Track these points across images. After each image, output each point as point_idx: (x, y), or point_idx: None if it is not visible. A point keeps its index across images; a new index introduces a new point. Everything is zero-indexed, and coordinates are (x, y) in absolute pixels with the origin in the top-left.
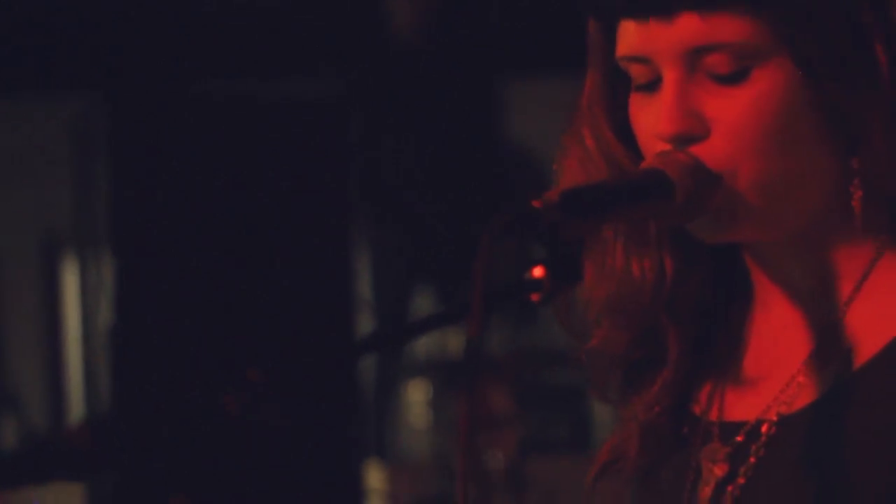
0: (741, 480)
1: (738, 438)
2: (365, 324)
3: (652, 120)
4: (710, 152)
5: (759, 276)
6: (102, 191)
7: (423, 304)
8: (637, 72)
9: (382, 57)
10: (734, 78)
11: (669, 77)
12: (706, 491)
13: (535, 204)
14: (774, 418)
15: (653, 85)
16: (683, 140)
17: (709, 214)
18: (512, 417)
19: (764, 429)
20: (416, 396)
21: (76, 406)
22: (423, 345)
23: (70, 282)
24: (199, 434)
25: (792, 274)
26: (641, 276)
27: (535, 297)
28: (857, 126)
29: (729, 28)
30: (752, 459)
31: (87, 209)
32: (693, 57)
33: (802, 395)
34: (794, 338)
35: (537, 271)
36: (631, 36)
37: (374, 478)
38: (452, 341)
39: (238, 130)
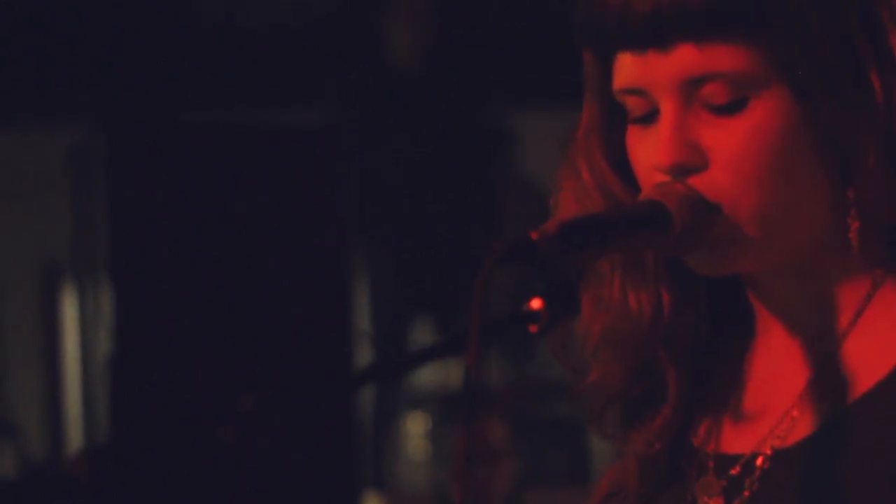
0: None
1: (733, 472)
2: (364, 355)
3: (649, 151)
4: (709, 183)
5: (759, 307)
6: (101, 220)
7: (422, 334)
8: (634, 104)
9: (379, 84)
10: (731, 108)
11: (667, 108)
12: None
13: (533, 235)
14: (769, 452)
15: (650, 117)
16: (681, 171)
17: (707, 246)
18: (509, 450)
19: (758, 462)
20: (416, 428)
21: (75, 435)
22: (423, 376)
23: (69, 311)
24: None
25: (790, 305)
26: (639, 309)
27: (533, 329)
28: (853, 155)
29: (725, 58)
30: (746, 493)
31: (85, 238)
32: (690, 88)
33: (797, 428)
34: (791, 370)
35: (535, 303)
36: (628, 68)
37: None
38: (453, 373)
39: (235, 159)
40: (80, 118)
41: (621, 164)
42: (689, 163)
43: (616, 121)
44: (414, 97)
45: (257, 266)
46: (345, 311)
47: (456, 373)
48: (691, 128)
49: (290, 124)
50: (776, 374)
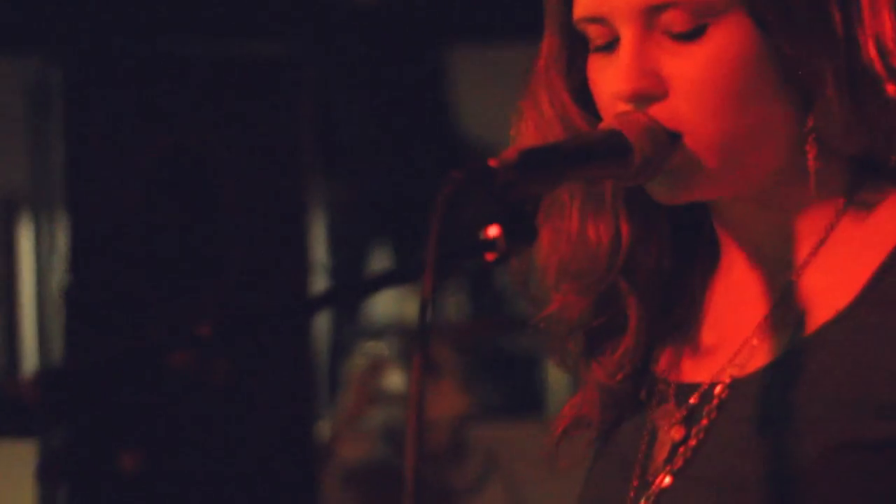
0: (692, 442)
1: (692, 400)
2: (320, 284)
3: (610, 80)
4: (669, 112)
5: (723, 237)
6: (57, 153)
7: (380, 262)
8: (594, 33)
9: (338, 17)
10: (691, 35)
11: (627, 36)
12: (662, 452)
13: (492, 163)
14: (727, 381)
15: (610, 45)
16: (642, 100)
17: (666, 175)
18: (459, 382)
19: (717, 391)
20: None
21: (30, 364)
22: (379, 307)
23: (25, 242)
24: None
25: (752, 234)
26: (597, 240)
27: (490, 257)
28: (812, 84)
29: None
30: (705, 421)
31: (42, 172)
32: (650, 15)
33: (755, 357)
34: (753, 299)
35: (492, 231)
36: None
37: (326, 437)
38: (409, 304)
39: (191, 90)
40: (36, 52)
41: (583, 96)
42: (649, 90)
43: (577, 52)
44: (373, 32)
45: (214, 197)
46: (301, 240)
47: (412, 304)
48: (651, 55)
49: (247, 55)
50: (738, 303)
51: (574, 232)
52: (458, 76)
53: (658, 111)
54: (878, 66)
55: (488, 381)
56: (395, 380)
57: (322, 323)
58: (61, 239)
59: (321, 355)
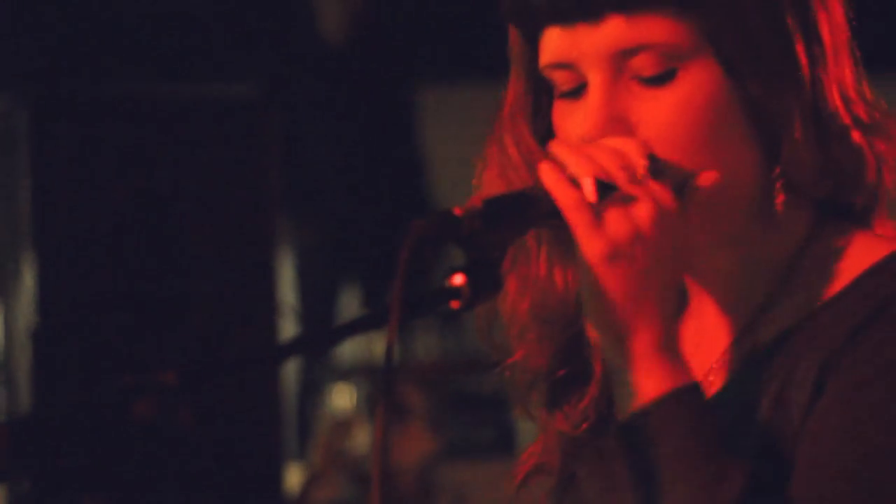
0: None
1: None
2: (289, 328)
3: (577, 126)
4: None
5: (689, 279)
6: (24, 192)
7: (349, 304)
8: (561, 79)
9: (306, 57)
10: (660, 80)
11: (595, 81)
12: (625, 501)
13: (457, 211)
14: None
15: (577, 91)
16: None
17: None
18: (428, 422)
19: None
20: (340, 400)
21: None
22: (348, 349)
23: None
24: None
25: (718, 276)
26: (565, 287)
27: (455, 305)
28: (780, 128)
29: (655, 29)
30: None
31: (8, 211)
32: (619, 59)
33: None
34: (717, 339)
35: (457, 279)
36: (556, 42)
37: (295, 481)
38: (378, 346)
39: (160, 131)
40: (2, 91)
41: (547, 140)
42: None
43: (542, 97)
44: (341, 71)
45: (182, 239)
46: (270, 285)
47: (381, 344)
48: (620, 101)
49: (215, 97)
50: (703, 344)
51: (541, 278)
52: (429, 116)
53: None
54: (842, 113)
55: (457, 421)
56: (361, 439)
57: (291, 364)
58: (28, 280)
59: (290, 397)
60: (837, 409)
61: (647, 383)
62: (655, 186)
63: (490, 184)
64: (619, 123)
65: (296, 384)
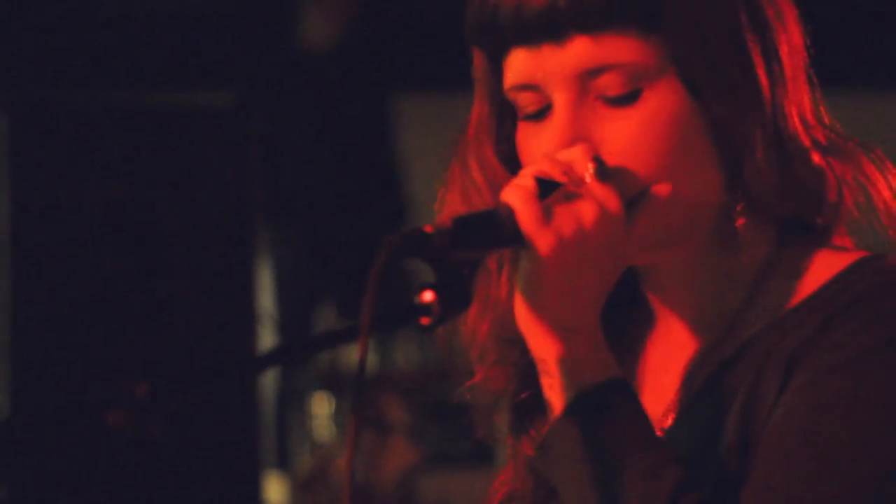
0: None
1: None
2: (267, 336)
3: (542, 145)
4: None
5: (653, 301)
6: (2, 202)
7: (326, 317)
8: (526, 100)
9: (286, 67)
10: (626, 100)
11: (560, 100)
12: None
13: (427, 229)
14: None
15: (542, 113)
16: None
17: None
18: (407, 432)
19: None
20: (320, 409)
21: None
22: (327, 358)
23: None
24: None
25: (682, 297)
26: None
27: (424, 321)
28: (742, 146)
29: (620, 49)
30: None
31: None
32: (584, 80)
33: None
34: (681, 362)
35: (427, 296)
36: (521, 64)
37: (274, 490)
38: (356, 356)
39: (140, 140)
40: None
41: (511, 163)
42: None
43: (506, 120)
44: (320, 83)
45: (161, 249)
46: (249, 293)
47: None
48: (585, 122)
49: (194, 106)
50: (668, 367)
51: (501, 300)
52: (410, 125)
53: None
54: (802, 135)
55: (438, 430)
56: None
57: (269, 373)
58: (5, 289)
59: (268, 406)
60: (803, 399)
61: (585, 375)
62: (599, 188)
63: (452, 206)
64: (582, 143)
65: (274, 393)
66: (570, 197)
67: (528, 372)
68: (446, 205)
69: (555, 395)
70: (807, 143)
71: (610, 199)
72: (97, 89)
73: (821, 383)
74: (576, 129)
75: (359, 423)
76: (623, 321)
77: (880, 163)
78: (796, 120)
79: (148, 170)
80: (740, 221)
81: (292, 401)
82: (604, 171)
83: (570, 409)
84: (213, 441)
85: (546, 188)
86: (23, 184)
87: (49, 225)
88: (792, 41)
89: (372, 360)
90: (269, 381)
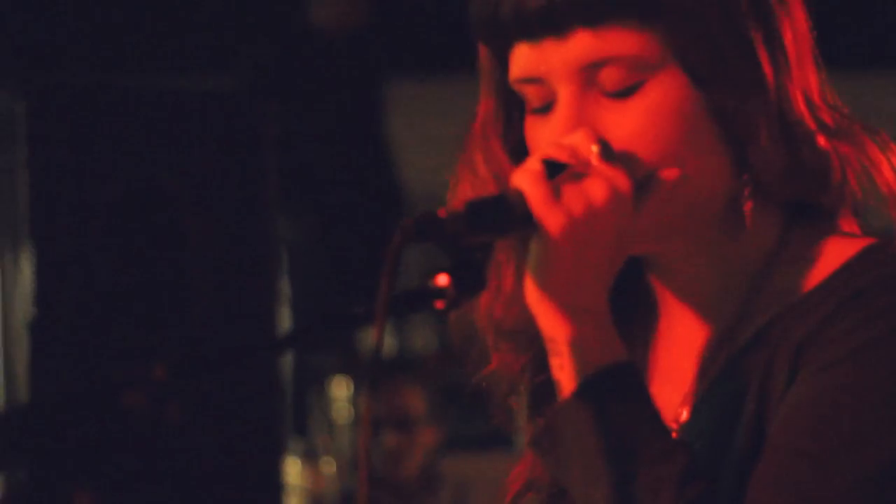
0: None
1: None
2: (286, 318)
3: (547, 138)
4: None
5: (660, 290)
6: (21, 185)
7: (343, 298)
8: (532, 94)
9: (298, 49)
10: (628, 92)
11: (564, 95)
12: None
13: (440, 213)
14: (675, 426)
15: (547, 107)
16: None
17: None
18: (428, 417)
19: None
20: (339, 392)
21: None
22: (345, 341)
23: None
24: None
25: (690, 285)
26: None
27: (439, 305)
28: (746, 133)
29: (621, 42)
30: None
31: (6, 204)
32: (587, 73)
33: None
34: (695, 350)
35: (441, 280)
36: (524, 58)
37: (294, 474)
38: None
39: (158, 124)
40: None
41: (518, 156)
42: None
43: (513, 112)
44: (332, 63)
45: (179, 232)
46: (270, 277)
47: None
48: (589, 113)
49: (212, 88)
50: (683, 356)
51: (510, 290)
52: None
53: None
54: (807, 119)
55: (457, 412)
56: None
57: (288, 356)
58: (26, 272)
59: (288, 389)
60: (806, 391)
61: (594, 356)
62: (606, 167)
63: (462, 198)
64: (584, 127)
65: (292, 377)
66: (579, 177)
67: (542, 356)
68: (456, 197)
69: (565, 375)
70: (812, 126)
71: (618, 177)
72: (116, 74)
73: (825, 375)
74: (580, 122)
75: (373, 406)
76: (629, 313)
77: (884, 145)
78: (801, 104)
79: (167, 153)
80: (748, 205)
81: (311, 384)
82: (608, 152)
83: (580, 390)
84: (233, 424)
85: (554, 170)
86: (41, 169)
87: (68, 209)
88: (796, 26)
89: (390, 344)
90: (287, 364)
